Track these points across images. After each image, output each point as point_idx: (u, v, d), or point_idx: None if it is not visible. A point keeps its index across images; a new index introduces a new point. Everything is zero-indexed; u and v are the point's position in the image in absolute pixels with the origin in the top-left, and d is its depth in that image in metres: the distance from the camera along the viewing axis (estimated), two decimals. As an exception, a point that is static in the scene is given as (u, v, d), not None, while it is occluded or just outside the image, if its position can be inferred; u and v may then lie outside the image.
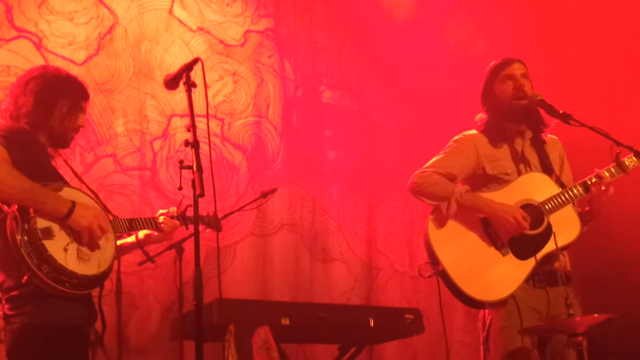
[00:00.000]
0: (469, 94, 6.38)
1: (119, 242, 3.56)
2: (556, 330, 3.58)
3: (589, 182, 3.75)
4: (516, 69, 3.89)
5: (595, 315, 3.46)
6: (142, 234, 3.66)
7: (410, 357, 6.38)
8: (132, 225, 3.54)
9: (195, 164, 3.00)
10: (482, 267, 3.61)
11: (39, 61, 5.51)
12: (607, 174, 3.76)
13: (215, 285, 4.74)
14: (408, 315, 5.27)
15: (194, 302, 2.96)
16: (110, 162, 5.56)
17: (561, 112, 3.80)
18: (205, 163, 3.04)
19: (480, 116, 3.96)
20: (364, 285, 6.40)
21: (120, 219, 3.51)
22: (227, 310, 4.69)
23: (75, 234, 3.14)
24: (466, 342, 6.45)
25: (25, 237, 3.02)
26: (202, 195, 2.96)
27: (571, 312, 3.41)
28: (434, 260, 3.65)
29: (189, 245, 4.77)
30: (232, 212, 5.43)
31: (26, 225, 3.02)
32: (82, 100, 3.45)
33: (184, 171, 3.09)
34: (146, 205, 5.63)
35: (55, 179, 3.27)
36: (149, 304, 5.47)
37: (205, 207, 5.39)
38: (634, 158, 3.80)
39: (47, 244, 3.04)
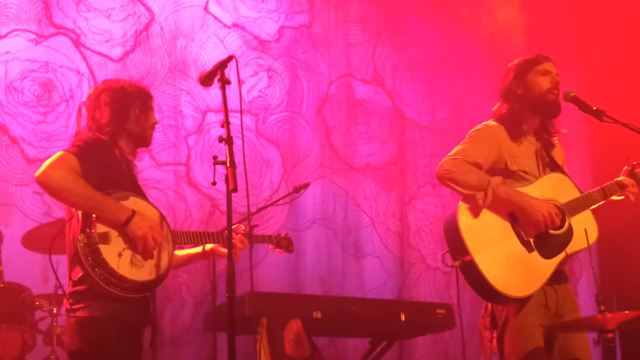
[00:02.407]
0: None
1: (184, 252, 3.74)
2: (586, 327, 3.56)
3: (606, 190, 3.75)
4: (552, 67, 3.84)
5: (627, 312, 3.45)
6: (209, 246, 3.76)
7: (441, 352, 6.39)
8: (198, 239, 3.64)
9: (228, 160, 3.05)
10: (509, 261, 3.56)
11: (76, 57, 5.62)
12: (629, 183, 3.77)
13: (248, 279, 4.80)
14: (439, 310, 5.28)
15: (227, 295, 2.99)
16: (146, 157, 5.65)
17: (595, 108, 3.78)
18: (238, 158, 3.09)
19: (502, 106, 3.89)
20: (396, 280, 6.42)
21: (183, 232, 3.62)
22: (260, 303, 4.74)
23: (131, 242, 3.28)
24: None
25: (85, 239, 3.21)
26: (235, 190, 3.01)
27: (602, 308, 3.40)
28: (460, 249, 3.58)
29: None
30: (265, 207, 5.49)
31: (87, 229, 3.22)
32: (149, 100, 3.61)
33: (219, 166, 3.15)
34: (180, 200, 5.71)
35: (126, 188, 3.43)
36: (183, 297, 5.56)
37: (239, 202, 5.50)
38: None
39: (103, 247, 3.21)
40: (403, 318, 5.03)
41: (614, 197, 3.81)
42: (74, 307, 3.31)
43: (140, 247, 3.29)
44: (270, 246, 4.01)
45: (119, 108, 3.50)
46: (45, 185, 3.24)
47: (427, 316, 5.24)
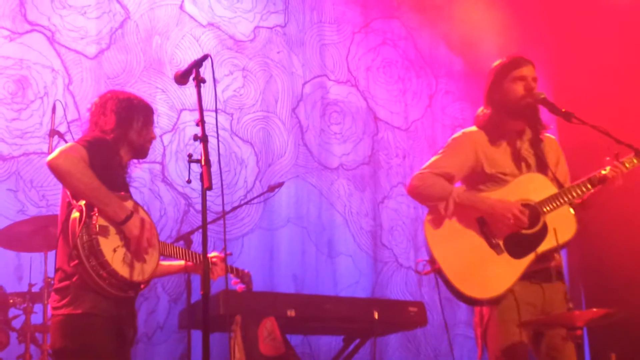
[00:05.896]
0: (475, 91, 6.46)
1: (167, 263, 3.86)
2: (555, 323, 3.62)
3: (593, 179, 3.78)
4: (528, 72, 3.88)
5: (594, 309, 3.52)
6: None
7: (413, 349, 6.47)
8: (183, 255, 3.79)
9: (203, 158, 3.08)
10: (477, 265, 3.64)
11: (51, 54, 5.60)
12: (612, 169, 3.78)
13: (223, 277, 4.81)
14: (412, 308, 5.34)
15: (202, 292, 3.03)
16: (121, 154, 5.63)
17: (563, 110, 3.84)
18: (213, 157, 3.12)
19: (483, 111, 3.96)
20: (369, 278, 6.48)
21: (170, 244, 3.78)
22: (234, 301, 4.77)
23: (127, 240, 3.39)
24: (470, 335, 6.52)
25: (84, 229, 3.30)
26: (209, 188, 3.04)
27: (571, 305, 3.46)
28: (430, 258, 3.70)
29: (197, 237, 4.87)
30: (240, 205, 5.53)
31: (87, 220, 3.31)
32: (151, 114, 3.76)
33: (193, 165, 3.19)
34: (155, 198, 5.72)
35: (124, 191, 3.56)
36: (157, 295, 5.57)
37: (214, 201, 5.52)
38: (634, 160, 3.82)
39: (101, 240, 3.30)
40: (376, 316, 5.08)
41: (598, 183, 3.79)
42: (59, 304, 3.36)
43: (133, 247, 3.38)
44: (233, 280, 4.14)
45: (125, 117, 3.62)
46: (56, 169, 3.32)
47: (400, 314, 5.30)
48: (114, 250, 3.33)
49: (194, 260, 3.81)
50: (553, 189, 3.78)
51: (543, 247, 3.68)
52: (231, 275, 4.12)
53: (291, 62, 6.59)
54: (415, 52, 7.17)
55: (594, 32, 6.82)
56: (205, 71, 3.31)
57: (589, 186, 3.77)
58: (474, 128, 3.93)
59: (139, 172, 5.69)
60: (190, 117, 5.93)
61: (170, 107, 5.96)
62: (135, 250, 3.39)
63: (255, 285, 5.76)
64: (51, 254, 4.46)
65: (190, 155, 3.22)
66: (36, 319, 4.65)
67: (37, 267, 4.94)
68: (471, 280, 3.63)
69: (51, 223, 4.42)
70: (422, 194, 3.79)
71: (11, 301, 4.67)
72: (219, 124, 3.80)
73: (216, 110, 3.49)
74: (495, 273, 3.64)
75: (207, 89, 3.33)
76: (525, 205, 3.71)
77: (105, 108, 3.64)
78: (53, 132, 4.69)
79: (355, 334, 5.57)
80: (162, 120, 5.90)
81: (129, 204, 3.46)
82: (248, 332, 4.73)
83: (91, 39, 5.77)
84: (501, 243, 3.68)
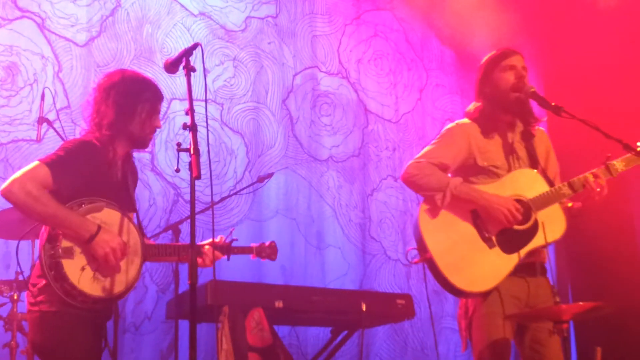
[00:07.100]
0: (466, 84, 6.48)
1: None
2: (542, 317, 3.64)
3: (576, 184, 3.80)
4: (518, 61, 3.90)
5: (581, 303, 3.54)
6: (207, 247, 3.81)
7: (401, 341, 6.48)
8: (172, 251, 3.66)
9: (192, 147, 3.07)
10: (469, 258, 3.66)
11: (41, 41, 5.57)
12: (601, 175, 3.80)
13: (210, 268, 4.81)
14: (399, 301, 5.35)
15: (189, 283, 3.01)
16: (110, 143, 5.61)
17: (553, 104, 3.85)
18: (203, 147, 3.11)
19: (475, 105, 3.97)
20: (357, 270, 6.49)
21: (156, 245, 3.65)
22: (222, 292, 4.76)
23: (94, 258, 3.30)
24: (457, 328, 6.53)
25: (49, 252, 3.26)
26: (198, 177, 3.02)
27: (557, 299, 3.48)
28: (422, 247, 3.69)
29: (185, 227, 4.86)
30: (228, 196, 5.51)
31: (52, 242, 3.26)
32: (158, 103, 3.58)
33: (182, 154, 3.17)
34: (144, 188, 5.70)
35: (109, 195, 3.42)
36: (145, 285, 5.55)
37: (203, 191, 5.51)
38: (617, 164, 3.84)
39: (66, 262, 3.25)
40: (364, 308, 5.09)
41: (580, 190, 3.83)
42: (35, 299, 3.32)
43: (102, 265, 3.30)
44: (252, 255, 4.09)
45: (126, 110, 3.47)
46: (8, 200, 3.29)
47: (388, 306, 5.31)
48: (82, 269, 3.27)
49: (186, 252, 3.65)
50: (545, 186, 3.80)
51: (533, 244, 3.70)
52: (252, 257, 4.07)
53: (282, 53, 6.58)
54: (406, 45, 7.17)
55: (585, 27, 6.83)
56: (195, 60, 3.30)
57: (573, 189, 3.78)
58: (466, 120, 3.94)
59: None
60: (180, 107, 5.91)
61: (160, 96, 5.93)
62: (104, 267, 3.31)
63: (243, 276, 5.80)
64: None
65: (179, 144, 3.21)
66: (23, 307, 4.61)
67: (25, 256, 4.92)
68: (462, 272, 3.64)
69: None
70: (418, 183, 3.78)
71: (-2, 289, 4.66)
72: (208, 114, 3.78)
73: (206, 100, 3.48)
74: (486, 267, 3.66)
75: (197, 79, 3.32)
76: (518, 201, 3.73)
77: (108, 95, 3.48)
78: (42, 120, 4.67)
79: (343, 325, 5.58)
80: (152, 109, 5.87)
81: (104, 214, 3.35)
82: (236, 323, 4.72)
83: (81, 27, 5.74)
84: (493, 237, 3.69)
